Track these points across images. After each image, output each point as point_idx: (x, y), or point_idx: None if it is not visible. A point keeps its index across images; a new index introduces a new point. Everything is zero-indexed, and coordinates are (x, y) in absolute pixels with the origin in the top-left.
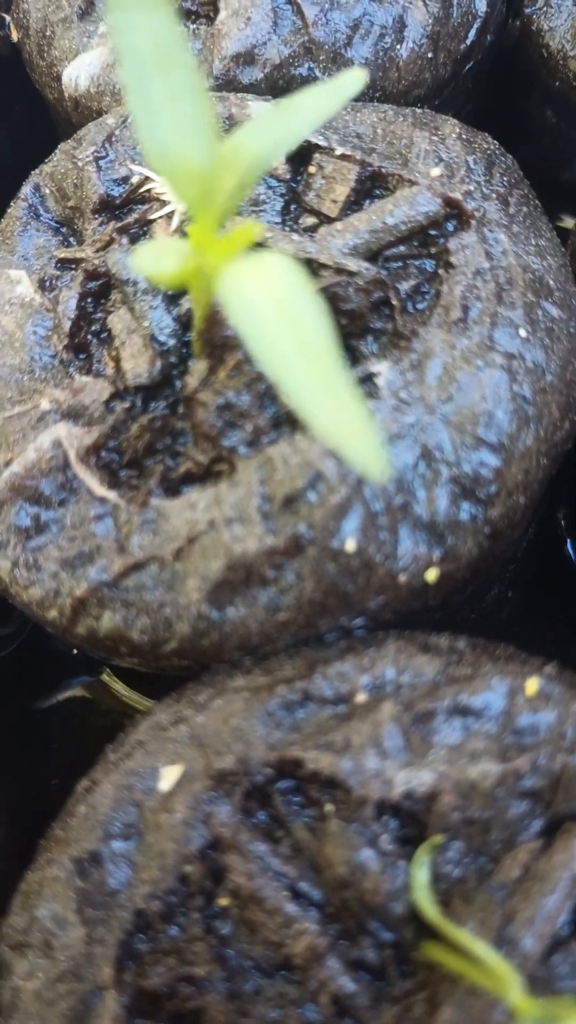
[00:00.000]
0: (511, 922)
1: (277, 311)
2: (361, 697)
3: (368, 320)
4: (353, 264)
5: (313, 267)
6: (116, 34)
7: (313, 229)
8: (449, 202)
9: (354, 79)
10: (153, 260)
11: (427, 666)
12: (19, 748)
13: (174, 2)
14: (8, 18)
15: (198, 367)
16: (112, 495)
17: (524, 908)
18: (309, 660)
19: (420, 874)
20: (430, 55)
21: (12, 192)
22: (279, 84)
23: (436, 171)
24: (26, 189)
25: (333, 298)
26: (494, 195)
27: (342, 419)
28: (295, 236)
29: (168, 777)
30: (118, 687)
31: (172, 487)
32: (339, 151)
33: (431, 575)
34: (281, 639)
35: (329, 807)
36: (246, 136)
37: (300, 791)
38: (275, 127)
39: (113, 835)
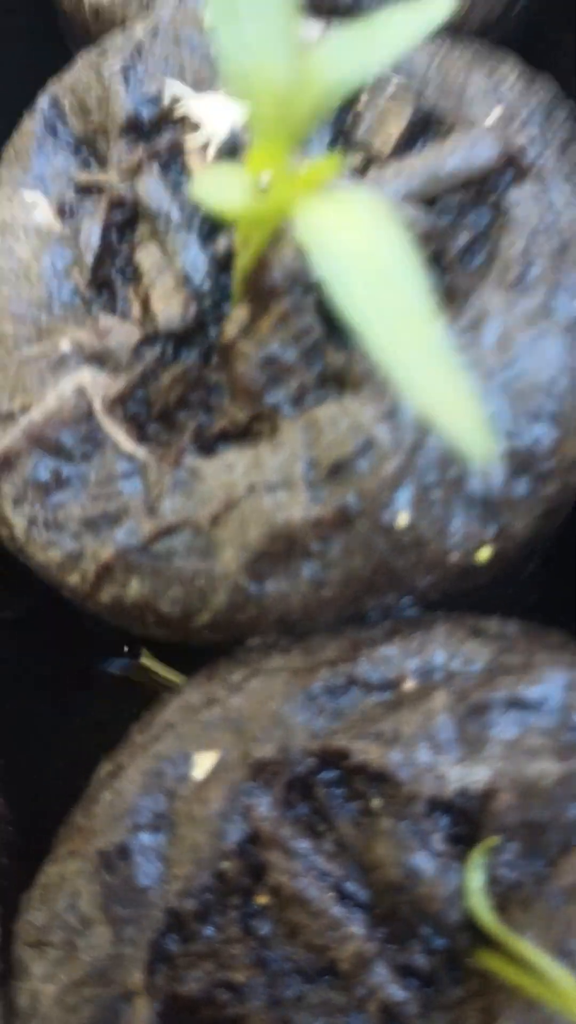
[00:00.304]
0: (572, 930)
1: (372, 264)
2: (410, 684)
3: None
4: (407, 212)
5: None
6: None
7: (362, 169)
8: (508, 150)
9: (441, 5)
10: (216, 190)
11: (478, 652)
12: (47, 735)
13: None
14: None
15: (238, 314)
16: (141, 451)
17: None
18: (353, 641)
19: (476, 878)
20: None
21: (17, 103)
22: (324, 5)
23: (495, 114)
24: (43, 102)
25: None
26: (554, 146)
27: (443, 391)
28: (344, 179)
29: (202, 764)
30: (159, 669)
31: (206, 445)
32: (393, 85)
33: (484, 554)
34: (323, 616)
35: (376, 802)
36: (327, 58)
37: (344, 782)
38: (356, 50)
39: (142, 826)
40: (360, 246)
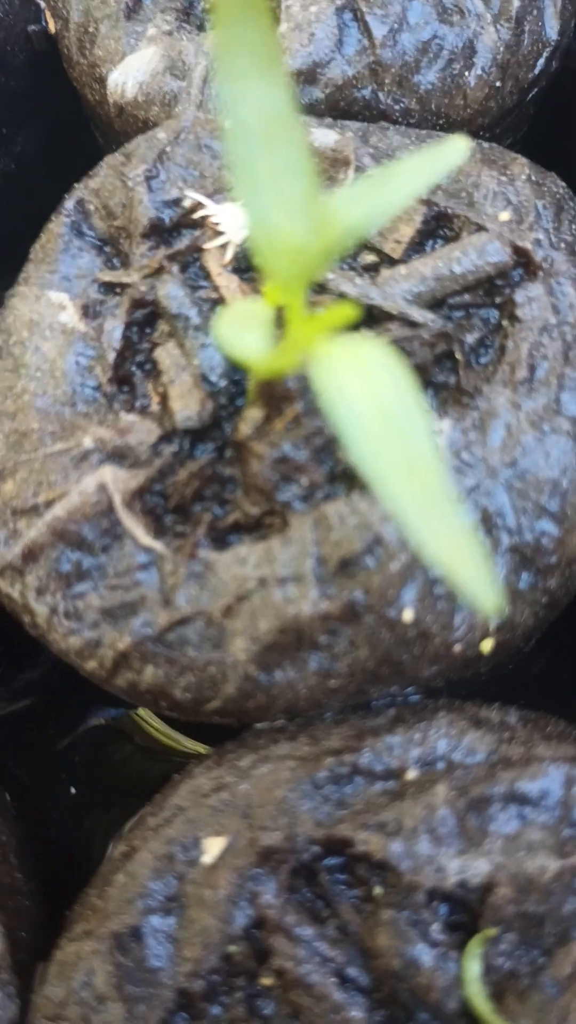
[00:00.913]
0: (565, 1021)
1: (380, 413)
2: (412, 774)
3: (431, 374)
4: (418, 314)
5: (375, 314)
6: (226, 105)
7: (373, 268)
8: (518, 251)
9: (458, 148)
10: (237, 335)
11: (479, 743)
12: (44, 788)
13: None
14: (44, 5)
15: (252, 414)
16: (158, 544)
17: None
18: (357, 730)
19: (473, 967)
20: (498, 84)
21: (43, 194)
22: (340, 105)
23: (504, 215)
24: (69, 204)
25: (397, 353)
26: (563, 244)
27: (451, 543)
28: (357, 279)
29: (211, 849)
30: (153, 723)
31: (220, 537)
32: None
33: (487, 645)
34: (330, 705)
35: (378, 890)
36: (344, 204)
37: (347, 869)
38: (372, 195)
39: (154, 909)
40: (370, 395)
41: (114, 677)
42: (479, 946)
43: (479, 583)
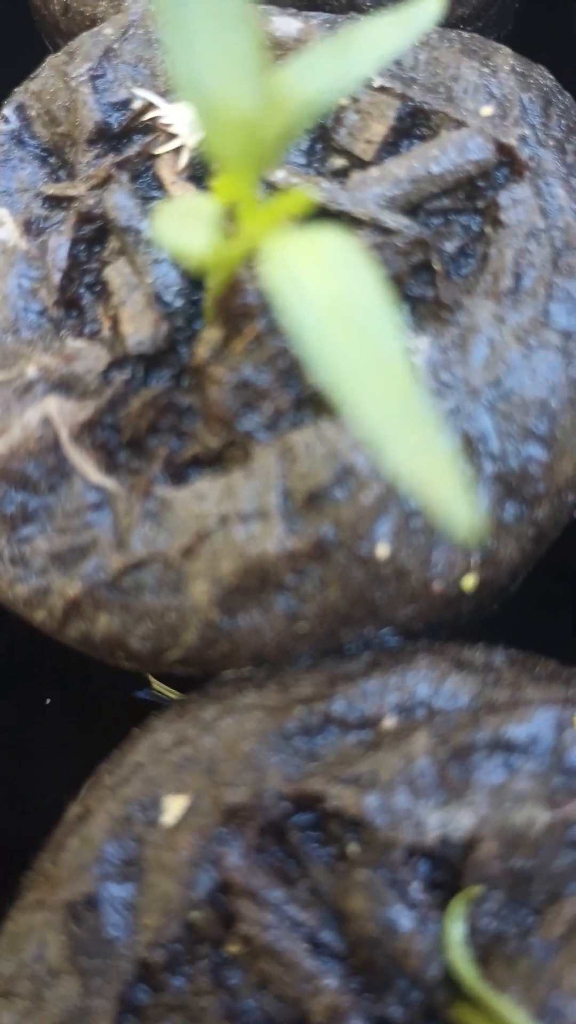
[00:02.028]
0: (557, 988)
1: (343, 313)
2: (389, 722)
3: (406, 286)
4: (391, 220)
5: (344, 221)
6: None
7: (343, 172)
8: (501, 148)
9: (428, 10)
10: (178, 230)
11: (462, 687)
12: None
13: None
14: None
15: (210, 335)
16: (110, 482)
17: (571, 972)
18: (330, 676)
19: (456, 930)
20: None
21: None
22: None
23: (487, 110)
24: (8, 110)
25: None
26: (551, 141)
27: (426, 462)
28: (324, 182)
29: (172, 809)
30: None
31: (178, 472)
32: (377, 82)
33: (468, 582)
34: (299, 650)
35: (353, 847)
36: (298, 75)
37: (319, 826)
38: (332, 65)
39: (110, 875)
40: (331, 292)
41: (65, 627)
42: (462, 906)
43: (458, 507)
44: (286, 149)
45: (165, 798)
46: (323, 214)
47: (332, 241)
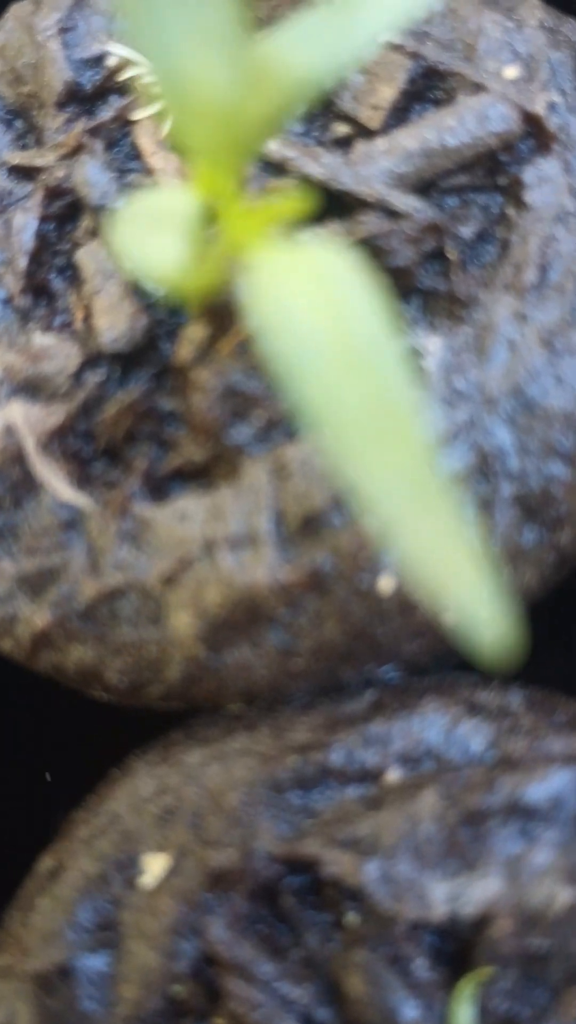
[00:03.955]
0: None
1: (340, 347)
2: (393, 775)
3: (416, 278)
4: (400, 201)
5: (346, 202)
6: None
7: (346, 142)
8: (527, 117)
9: None
10: (144, 242)
11: (475, 734)
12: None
13: None
14: None
15: (194, 332)
16: (82, 498)
17: None
18: (328, 718)
19: (464, 1015)
20: None
21: None
22: None
23: (511, 71)
24: None
25: (374, 252)
26: None
27: (436, 540)
28: (324, 155)
29: (152, 869)
30: None
31: (158, 486)
32: (385, 38)
33: None
34: (293, 688)
35: (351, 917)
36: (287, 48)
37: (314, 888)
38: (329, 35)
39: (85, 942)
40: (326, 322)
41: (35, 658)
42: (472, 988)
43: (484, 615)
44: (272, 137)
45: (145, 856)
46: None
47: (331, 257)
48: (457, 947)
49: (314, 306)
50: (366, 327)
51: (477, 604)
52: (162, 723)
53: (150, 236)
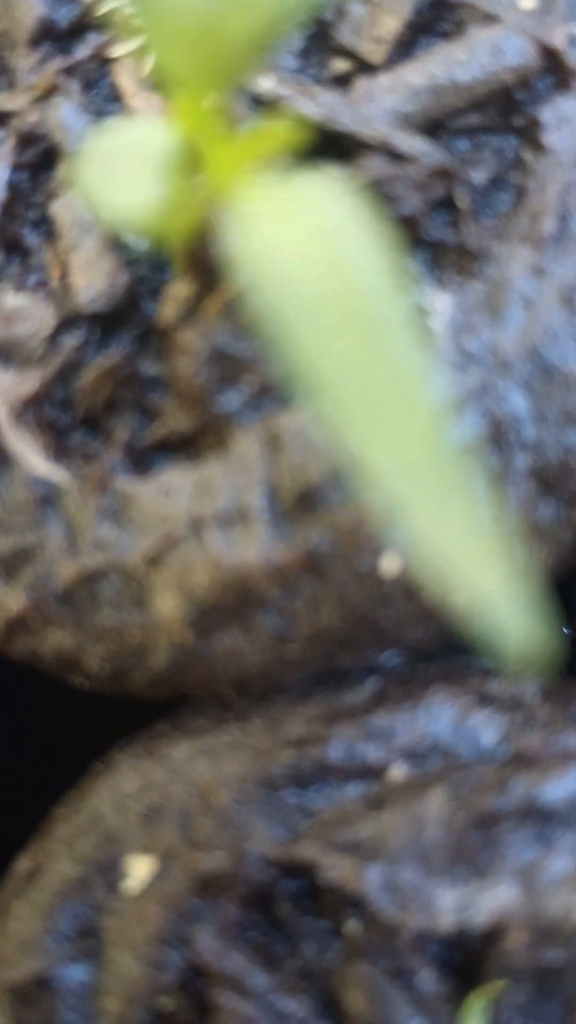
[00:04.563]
0: None
1: (332, 298)
2: (397, 772)
3: (423, 228)
4: (406, 144)
5: (346, 145)
6: None
7: (346, 79)
8: (545, 51)
9: None
10: (111, 178)
11: (486, 727)
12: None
13: None
14: None
15: (179, 291)
16: (58, 472)
17: None
18: (326, 709)
19: None
20: None
21: None
22: None
23: (527, 1)
24: None
25: (376, 200)
26: None
27: (451, 524)
28: (321, 93)
29: (136, 872)
30: None
31: (141, 458)
32: None
33: None
34: (288, 676)
35: (351, 925)
36: None
37: (312, 893)
38: None
39: (65, 952)
40: (322, 268)
41: (9, 644)
42: (481, 1003)
43: (508, 610)
44: (262, 58)
45: (129, 858)
46: (320, 134)
47: (327, 202)
48: (466, 959)
49: (309, 257)
50: (367, 282)
51: (498, 596)
52: (149, 711)
53: (121, 176)
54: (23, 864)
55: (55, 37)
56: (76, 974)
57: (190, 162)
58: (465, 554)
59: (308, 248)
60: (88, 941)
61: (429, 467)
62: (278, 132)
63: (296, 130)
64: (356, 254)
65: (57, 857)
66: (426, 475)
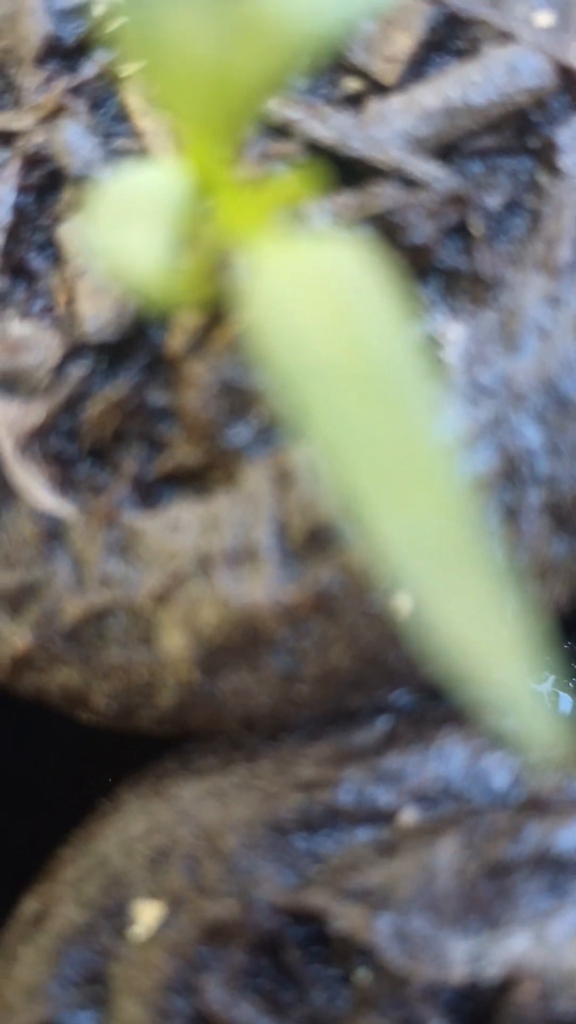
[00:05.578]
0: None
1: (343, 359)
2: (408, 816)
3: (435, 256)
4: (419, 168)
5: (357, 169)
6: None
7: (357, 99)
8: (562, 71)
9: None
10: (122, 236)
11: (499, 770)
12: None
13: None
14: None
15: (187, 320)
16: (65, 506)
17: None
18: (336, 750)
19: None
20: None
21: None
22: None
23: (544, 18)
24: None
25: (389, 229)
26: None
27: (472, 614)
28: (332, 116)
29: (144, 918)
30: None
31: (149, 490)
32: None
33: None
34: (297, 716)
35: (361, 974)
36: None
37: (321, 940)
38: None
39: (71, 998)
40: (329, 322)
41: (16, 681)
42: None
43: (529, 707)
44: (269, 99)
45: (136, 903)
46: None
47: (338, 253)
48: (477, 1011)
49: (318, 307)
50: (376, 337)
51: (519, 695)
52: (157, 745)
53: (130, 236)
54: (29, 906)
55: (62, 54)
56: (83, 1021)
57: (201, 197)
58: (483, 645)
59: (317, 301)
60: (95, 988)
61: (444, 540)
62: (291, 185)
63: (307, 178)
64: (367, 314)
65: (64, 901)
66: (441, 549)
